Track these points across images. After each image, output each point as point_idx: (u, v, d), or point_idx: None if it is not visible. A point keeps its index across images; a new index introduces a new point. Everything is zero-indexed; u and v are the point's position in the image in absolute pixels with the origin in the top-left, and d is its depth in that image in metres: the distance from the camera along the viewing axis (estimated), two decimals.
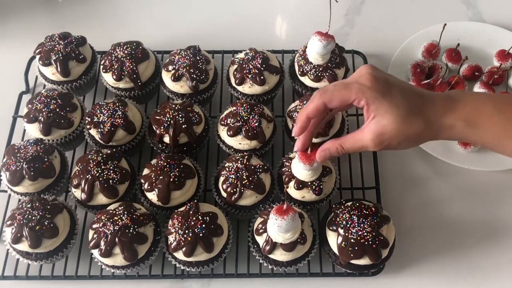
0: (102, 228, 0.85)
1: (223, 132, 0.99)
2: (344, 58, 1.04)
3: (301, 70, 1.04)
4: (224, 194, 0.93)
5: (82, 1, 1.30)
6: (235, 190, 0.90)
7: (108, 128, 0.96)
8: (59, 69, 1.03)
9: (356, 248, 0.84)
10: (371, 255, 0.85)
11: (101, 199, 0.92)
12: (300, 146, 0.81)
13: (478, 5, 1.28)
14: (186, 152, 0.98)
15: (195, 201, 0.90)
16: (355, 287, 0.94)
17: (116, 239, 0.84)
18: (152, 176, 0.91)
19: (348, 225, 0.85)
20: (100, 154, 0.93)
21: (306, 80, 1.04)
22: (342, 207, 0.89)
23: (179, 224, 0.85)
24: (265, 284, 0.95)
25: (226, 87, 1.07)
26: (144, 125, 1.03)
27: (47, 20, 1.29)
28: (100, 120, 0.97)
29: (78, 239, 0.96)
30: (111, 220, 0.85)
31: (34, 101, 0.99)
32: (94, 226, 0.87)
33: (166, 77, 1.04)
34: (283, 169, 0.94)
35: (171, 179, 0.90)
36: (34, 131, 0.98)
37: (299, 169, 0.85)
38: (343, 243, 0.85)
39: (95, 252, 0.87)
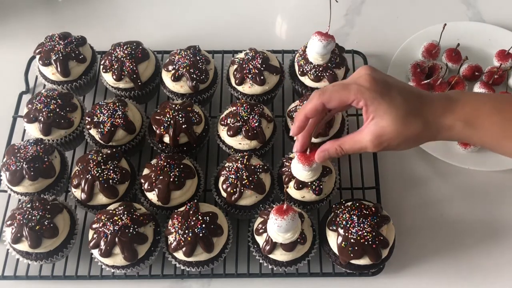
0: (102, 228, 0.85)
1: (223, 132, 0.99)
2: (344, 58, 1.04)
3: (301, 70, 1.04)
4: (224, 194, 0.93)
5: (82, 1, 1.30)
6: (235, 190, 0.90)
7: (108, 128, 0.96)
8: (59, 69, 1.03)
9: (356, 248, 0.84)
10: (371, 255, 0.85)
11: (101, 199, 0.92)
12: (299, 147, 0.81)
13: (478, 5, 1.28)
14: (186, 152, 0.98)
15: (195, 201, 0.90)
16: (355, 287, 0.94)
17: (116, 239, 0.84)
18: (152, 176, 0.91)
19: (348, 225, 0.85)
20: (100, 154, 0.93)
21: (306, 80, 1.04)
22: (342, 207, 0.89)
23: (179, 224, 0.85)
24: (265, 284, 0.95)
25: (226, 87, 1.07)
26: (144, 125, 1.03)
27: (47, 20, 1.29)
28: (100, 120, 0.97)
29: (78, 239, 0.96)
30: (111, 220, 0.85)
31: (34, 101, 0.99)
32: (94, 226, 0.87)
33: (166, 77, 1.04)
34: (283, 169, 0.94)
35: (171, 179, 0.90)
36: (34, 131, 0.98)
37: (299, 169, 0.85)
38: (343, 243, 0.85)
39: (95, 252, 0.87)
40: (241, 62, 1.03)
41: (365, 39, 1.23)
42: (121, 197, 0.93)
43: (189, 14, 1.30)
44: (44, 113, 0.97)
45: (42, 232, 0.86)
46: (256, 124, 0.95)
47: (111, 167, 0.92)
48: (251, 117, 0.96)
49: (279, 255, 0.87)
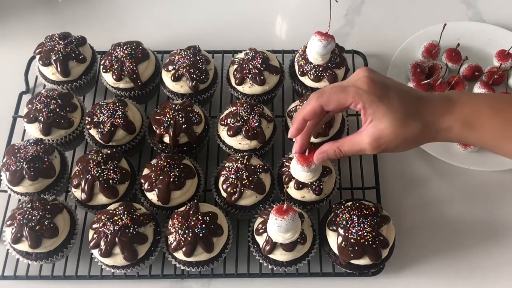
0: (102, 228, 0.85)
1: (223, 132, 0.99)
2: (344, 58, 1.04)
3: (301, 70, 1.04)
4: (224, 194, 0.93)
5: (82, 1, 1.30)
6: (235, 190, 0.90)
7: (108, 128, 0.96)
8: (59, 69, 1.03)
9: (356, 248, 0.84)
10: (371, 255, 0.85)
11: (101, 199, 0.92)
12: (298, 149, 0.81)
13: (478, 5, 1.28)
14: (186, 152, 0.98)
15: (195, 201, 0.90)
16: (355, 287, 0.94)
17: (116, 239, 0.84)
18: (152, 176, 0.91)
19: (348, 225, 0.85)
20: (100, 154, 0.93)
21: (306, 80, 1.04)
22: (342, 207, 0.89)
23: (179, 224, 0.85)
24: (265, 284, 0.95)
25: (226, 87, 1.07)
26: (144, 125, 1.03)
27: (47, 20, 1.29)
28: (100, 120, 0.97)
29: (78, 239, 0.96)
30: (111, 220, 0.85)
31: (34, 101, 0.99)
32: (94, 226, 0.87)
33: (166, 77, 1.04)
34: (283, 169, 0.94)
35: (171, 179, 0.90)
36: (34, 131, 0.98)
37: (298, 171, 0.85)
38: (343, 243, 0.85)
39: (95, 252, 0.87)
40: (241, 62, 1.03)
41: (365, 39, 1.23)
42: (121, 197, 0.93)
43: (189, 14, 1.30)
44: (44, 113, 0.97)
45: (42, 232, 0.86)
46: (256, 124, 0.95)
47: (111, 167, 0.92)
48: (251, 117, 0.96)
49: (279, 255, 0.87)
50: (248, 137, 0.95)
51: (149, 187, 0.92)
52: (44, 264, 0.94)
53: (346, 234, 0.85)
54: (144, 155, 1.07)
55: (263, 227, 0.87)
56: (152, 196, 0.92)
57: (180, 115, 0.96)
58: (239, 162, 0.92)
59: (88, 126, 0.98)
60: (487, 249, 0.98)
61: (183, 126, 0.95)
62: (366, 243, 0.84)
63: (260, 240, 0.88)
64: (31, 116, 0.98)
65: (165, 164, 0.92)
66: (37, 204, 0.88)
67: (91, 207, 0.93)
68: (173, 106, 0.97)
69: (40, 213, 0.87)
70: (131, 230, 0.85)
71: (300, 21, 1.29)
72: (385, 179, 1.04)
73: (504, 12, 1.26)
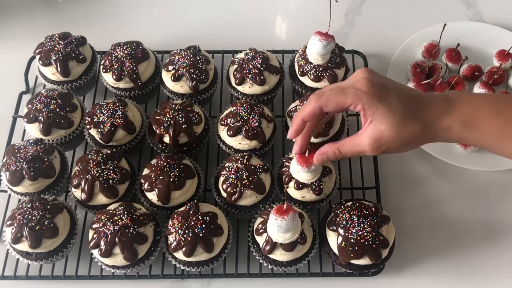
0: (102, 228, 0.85)
1: (223, 132, 0.99)
2: (344, 58, 1.04)
3: (301, 70, 1.04)
4: (224, 194, 0.93)
5: (82, 1, 1.30)
6: (235, 190, 0.90)
7: (108, 128, 0.96)
8: (59, 69, 1.03)
9: (356, 248, 0.84)
10: (371, 255, 0.85)
11: (101, 199, 0.92)
12: (297, 150, 0.82)
13: (478, 5, 1.28)
14: (186, 152, 0.98)
15: (195, 201, 0.90)
16: (355, 287, 0.94)
17: (116, 239, 0.84)
18: (152, 176, 0.91)
19: (348, 225, 0.85)
20: (100, 154, 0.93)
21: (306, 80, 1.04)
22: (342, 207, 0.89)
23: (179, 224, 0.85)
24: (265, 284, 0.95)
25: (226, 87, 1.07)
26: (144, 125, 1.03)
27: (47, 20, 1.29)
28: (100, 120, 0.97)
29: (78, 239, 0.96)
30: (111, 220, 0.85)
31: (34, 101, 0.99)
32: (94, 226, 0.87)
33: (166, 77, 1.04)
34: (283, 169, 0.94)
35: (171, 179, 0.90)
36: (34, 131, 0.98)
37: (298, 171, 0.85)
38: (343, 243, 0.85)
39: (95, 252, 0.87)
40: (241, 62, 1.03)
41: (365, 39, 1.23)
42: (121, 197, 0.93)
43: (189, 14, 1.30)
44: (44, 113, 0.97)
45: (42, 232, 0.86)
46: (256, 124, 0.95)
47: (111, 167, 0.92)
48: (251, 117, 0.96)
49: (279, 255, 0.87)
50: (248, 137, 0.95)
51: (149, 187, 0.92)
52: (44, 264, 0.94)
53: (346, 234, 0.85)
54: (144, 155, 1.07)
55: (263, 227, 0.87)
56: (152, 196, 0.92)
57: (180, 115, 0.96)
58: (239, 162, 0.92)
59: (88, 126, 0.98)
60: (487, 249, 0.98)
61: (183, 126, 0.95)
62: (366, 243, 0.84)
63: (260, 240, 0.88)
64: (31, 116, 0.98)
65: (165, 164, 0.92)
66: (37, 204, 0.88)
67: (91, 207, 0.93)
68: (173, 106, 0.97)
69: (40, 213, 0.87)
70: (131, 230, 0.85)
71: (300, 21, 1.29)
72: (385, 179, 1.04)
73: (504, 12, 1.26)
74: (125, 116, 0.97)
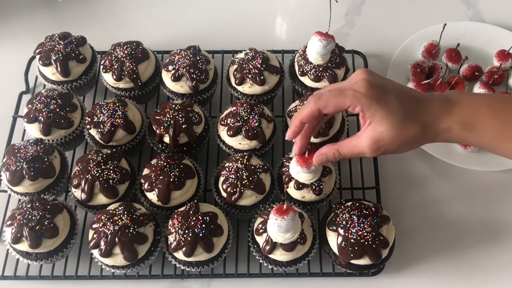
0: (102, 228, 0.85)
1: (223, 132, 0.99)
2: (344, 58, 1.04)
3: (301, 70, 1.04)
4: (224, 194, 0.93)
5: (82, 1, 1.30)
6: (235, 190, 0.90)
7: (108, 128, 0.96)
8: (59, 69, 1.03)
9: (356, 248, 0.84)
10: (371, 255, 0.85)
11: (101, 199, 0.92)
12: (297, 150, 0.82)
13: (478, 5, 1.28)
14: (186, 152, 0.98)
15: (195, 201, 0.90)
16: (355, 287, 0.94)
17: (116, 239, 0.84)
18: (152, 176, 0.91)
19: (348, 225, 0.85)
20: (100, 154, 0.93)
21: (306, 80, 1.04)
22: (342, 207, 0.89)
23: (179, 224, 0.85)
24: (265, 284, 0.95)
25: (226, 87, 1.07)
26: (144, 125, 1.03)
27: (47, 20, 1.29)
28: (100, 120, 0.97)
29: (78, 239, 0.96)
30: (111, 220, 0.85)
31: (34, 101, 0.99)
32: (94, 226, 0.87)
33: (166, 77, 1.04)
34: (283, 169, 0.94)
35: (171, 179, 0.90)
36: (34, 131, 0.98)
37: (297, 172, 0.85)
38: (343, 243, 0.85)
39: (95, 252, 0.87)
40: (241, 62, 1.03)
41: (365, 39, 1.23)
42: (121, 197, 0.93)
43: (189, 14, 1.30)
44: (44, 113, 0.97)
45: (42, 232, 0.86)
46: (256, 124, 0.95)
47: (111, 167, 0.92)
48: (251, 117, 0.96)
49: (279, 255, 0.87)
50: (248, 137, 0.95)
51: (149, 187, 0.92)
52: (44, 264, 0.94)
53: (346, 234, 0.85)
54: (144, 155, 1.07)
55: (263, 227, 0.87)
56: (152, 196, 0.92)
57: (180, 115, 0.96)
58: (239, 162, 0.92)
59: (88, 126, 0.98)
60: (487, 249, 0.98)
61: (183, 126, 0.95)
62: (366, 243, 0.84)
63: (260, 240, 0.88)
64: (31, 116, 0.98)
65: (165, 164, 0.92)
66: (37, 204, 0.88)
67: (91, 207, 0.93)
68: (173, 106, 0.97)
69: (40, 213, 0.87)
70: (131, 230, 0.85)
71: (300, 21, 1.29)
72: (385, 179, 1.04)
73: (504, 12, 1.26)
74: (125, 116, 0.97)
